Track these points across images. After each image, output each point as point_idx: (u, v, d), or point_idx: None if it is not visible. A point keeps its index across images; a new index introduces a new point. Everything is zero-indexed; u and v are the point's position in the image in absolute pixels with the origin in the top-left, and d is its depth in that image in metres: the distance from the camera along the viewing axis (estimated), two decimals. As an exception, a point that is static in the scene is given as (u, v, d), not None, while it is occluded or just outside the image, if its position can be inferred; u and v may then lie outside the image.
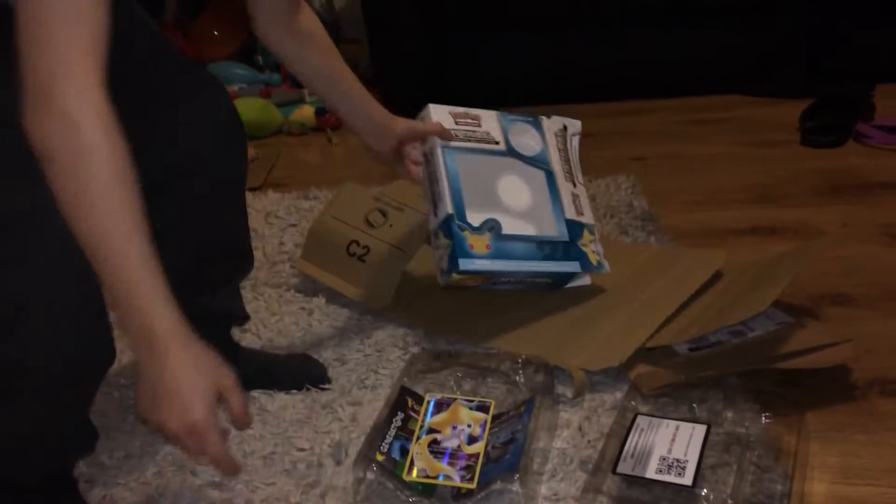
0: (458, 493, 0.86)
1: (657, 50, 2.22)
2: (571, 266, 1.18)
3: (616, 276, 1.21)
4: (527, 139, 1.23)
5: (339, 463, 0.94)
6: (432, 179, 1.13)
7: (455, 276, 1.09)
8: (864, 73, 2.06)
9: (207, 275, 0.99)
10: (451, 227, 1.08)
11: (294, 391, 1.07)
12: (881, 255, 1.32)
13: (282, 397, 1.06)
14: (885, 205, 1.50)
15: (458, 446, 0.90)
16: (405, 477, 0.87)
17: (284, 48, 1.04)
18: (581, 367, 1.03)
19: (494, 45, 2.24)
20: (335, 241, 1.32)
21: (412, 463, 0.88)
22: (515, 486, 0.83)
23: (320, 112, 2.22)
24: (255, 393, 1.07)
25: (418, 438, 0.92)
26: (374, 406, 1.04)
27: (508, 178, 1.17)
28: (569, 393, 1.02)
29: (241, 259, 1.06)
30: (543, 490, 0.87)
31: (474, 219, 1.10)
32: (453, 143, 1.14)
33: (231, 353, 1.06)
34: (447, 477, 0.86)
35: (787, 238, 1.43)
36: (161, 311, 0.66)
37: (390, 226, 1.31)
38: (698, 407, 0.94)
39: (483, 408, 0.96)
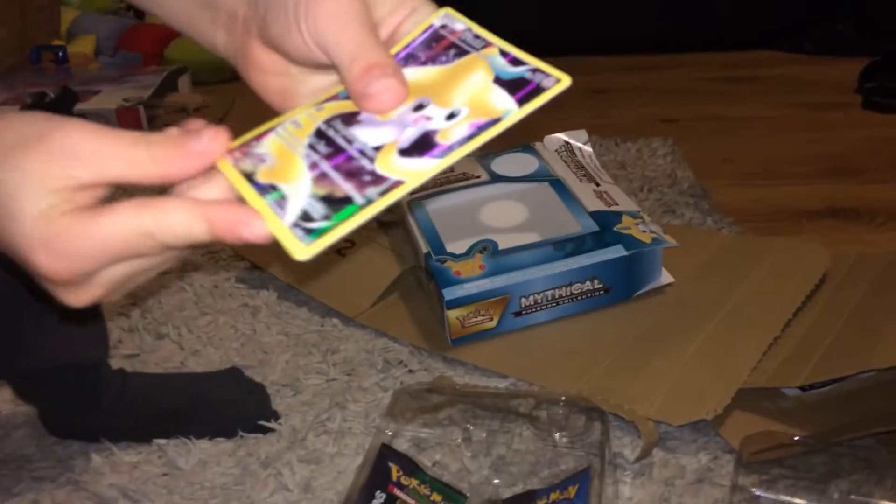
0: None
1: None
2: (612, 252, 0.85)
3: (680, 276, 0.89)
4: (517, 163, 1.03)
5: (281, 569, 0.60)
6: (409, 235, 0.93)
7: (452, 315, 0.82)
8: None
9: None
10: (430, 265, 0.86)
11: (221, 438, 0.73)
12: None
13: (202, 448, 0.72)
14: None
15: None
16: None
17: None
18: (654, 417, 0.70)
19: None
20: None
21: None
22: None
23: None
24: (161, 441, 0.72)
25: None
26: (337, 466, 0.70)
27: (495, 203, 0.96)
28: (627, 452, 0.69)
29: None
30: None
31: (457, 248, 0.87)
32: (421, 194, 0.95)
33: (105, 393, 0.72)
34: None
35: (879, 224, 1.11)
36: None
37: (386, 232, 0.99)
38: (836, 489, 0.62)
39: None
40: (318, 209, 0.31)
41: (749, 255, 0.91)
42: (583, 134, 1.07)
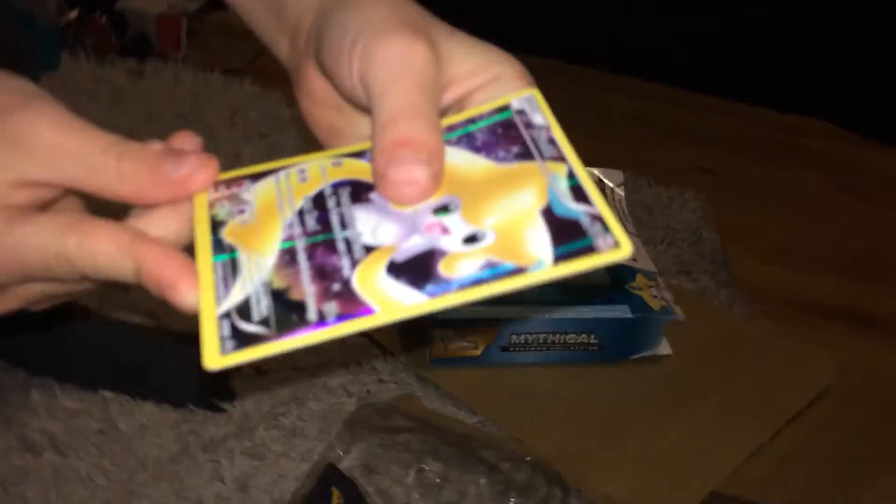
0: None
1: (740, 35, 1.79)
2: (617, 311, 0.81)
3: (679, 350, 0.84)
4: None
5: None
6: None
7: (437, 335, 0.77)
8: None
9: None
10: None
11: (168, 406, 0.69)
12: None
13: (146, 412, 0.68)
14: None
15: None
16: None
17: None
18: (619, 501, 0.66)
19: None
20: None
21: None
22: None
23: None
24: (107, 394, 0.69)
25: None
26: (280, 469, 0.66)
27: None
28: (581, 529, 0.66)
29: None
30: None
31: None
32: None
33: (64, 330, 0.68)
34: None
35: (894, 340, 1.06)
36: None
37: None
38: None
39: None
40: (263, 306, 0.25)
41: (754, 346, 0.87)
42: (618, 175, 1.02)
